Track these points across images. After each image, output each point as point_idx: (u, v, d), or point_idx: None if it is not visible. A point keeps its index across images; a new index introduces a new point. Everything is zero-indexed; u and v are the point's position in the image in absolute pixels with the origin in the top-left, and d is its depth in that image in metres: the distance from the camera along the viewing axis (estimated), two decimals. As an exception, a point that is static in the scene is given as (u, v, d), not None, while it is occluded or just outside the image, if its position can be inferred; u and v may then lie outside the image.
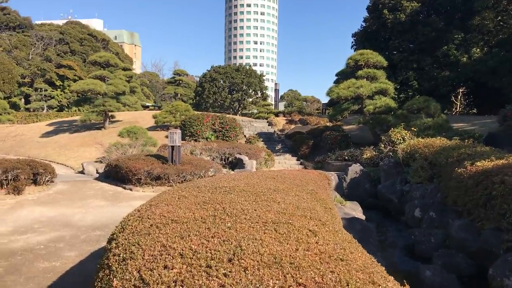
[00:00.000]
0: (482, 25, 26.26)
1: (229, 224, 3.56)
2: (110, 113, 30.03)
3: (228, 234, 3.27)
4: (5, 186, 12.22)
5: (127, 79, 33.56)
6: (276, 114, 37.06)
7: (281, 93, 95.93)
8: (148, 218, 4.08)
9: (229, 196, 4.87)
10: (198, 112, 28.89)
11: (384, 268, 3.21)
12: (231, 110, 54.83)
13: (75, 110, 60.42)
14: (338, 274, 2.65)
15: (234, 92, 55.70)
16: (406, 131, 15.52)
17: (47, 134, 30.81)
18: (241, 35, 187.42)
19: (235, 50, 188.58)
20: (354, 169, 15.55)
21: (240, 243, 3.00)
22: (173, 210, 4.15)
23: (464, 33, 28.58)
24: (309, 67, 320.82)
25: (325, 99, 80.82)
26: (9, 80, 57.62)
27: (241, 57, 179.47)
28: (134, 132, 19.51)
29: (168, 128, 27.43)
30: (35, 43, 69.99)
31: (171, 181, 12.93)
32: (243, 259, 2.73)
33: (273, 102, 64.88)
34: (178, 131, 13.39)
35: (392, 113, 21.04)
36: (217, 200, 4.56)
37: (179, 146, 13.46)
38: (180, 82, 66.78)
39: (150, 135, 20.84)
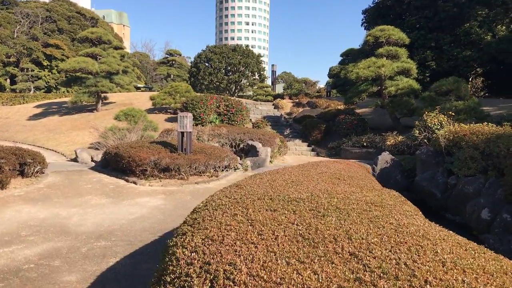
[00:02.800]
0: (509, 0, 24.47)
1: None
2: (103, 94, 27.91)
3: None
4: (-14, 179, 10.32)
5: (120, 58, 31.36)
6: (282, 97, 35.19)
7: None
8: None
9: (328, 220, 3.08)
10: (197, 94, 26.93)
11: None
12: (227, 92, 52.75)
13: (64, 92, 57.88)
14: None
15: (231, 73, 53.61)
16: (444, 116, 13.82)
17: (35, 117, 28.65)
18: (232, 15, 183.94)
19: (226, 31, 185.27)
20: (384, 158, 13.83)
21: None
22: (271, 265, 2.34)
23: (488, 9, 26.78)
24: (303, 49, 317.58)
25: (323, 81, 78.70)
26: (-7, 60, 54.78)
27: (233, 38, 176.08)
28: (132, 115, 17.57)
29: (167, 110, 25.48)
30: (20, 21, 66.75)
31: (182, 173, 11.11)
32: None
33: (270, 84, 62.83)
34: (189, 114, 11.52)
35: (415, 95, 19.34)
36: (322, 233, 2.78)
37: (190, 132, 11.61)
38: (173, 62, 64.46)
39: (150, 118, 18.92)
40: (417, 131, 14.24)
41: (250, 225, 2.98)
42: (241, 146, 16.15)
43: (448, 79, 17.28)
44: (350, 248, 2.46)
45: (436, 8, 27.60)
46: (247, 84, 54.60)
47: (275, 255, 2.37)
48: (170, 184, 10.80)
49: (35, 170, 11.32)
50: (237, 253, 2.43)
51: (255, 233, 2.80)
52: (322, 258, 2.30)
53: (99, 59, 27.31)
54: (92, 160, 15.35)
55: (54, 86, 63.23)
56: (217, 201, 4.15)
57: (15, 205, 8.99)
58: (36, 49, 62.39)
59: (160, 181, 11.07)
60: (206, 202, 4.36)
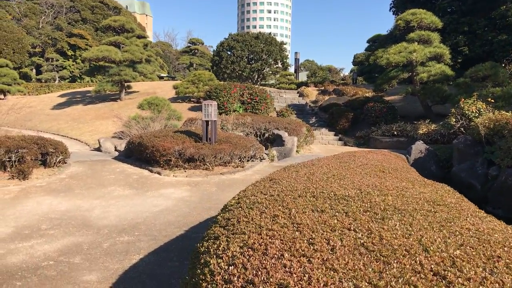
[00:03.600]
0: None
1: None
2: (126, 83, 27.70)
3: None
4: (9, 169, 10.11)
5: (143, 47, 31.10)
6: (306, 85, 34.42)
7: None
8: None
9: (391, 225, 2.55)
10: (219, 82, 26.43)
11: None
12: (249, 81, 52.09)
13: (88, 81, 58.28)
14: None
15: (253, 61, 52.88)
16: (482, 103, 13.01)
17: (59, 106, 28.68)
18: (255, 3, 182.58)
19: (248, 20, 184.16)
20: (418, 148, 13.14)
21: None
22: None
23: None
24: (326, 36, 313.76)
25: (347, 69, 77.24)
26: (19, 50, 55.41)
27: (255, 27, 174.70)
28: (156, 104, 17.20)
29: (190, 99, 25.11)
30: (45, 11, 67.39)
31: (207, 164, 10.68)
32: None
33: (293, 72, 61.90)
34: (214, 103, 11.05)
35: (449, 82, 18.45)
36: (389, 243, 2.25)
37: (215, 121, 11.15)
38: (196, 51, 64.11)
39: (173, 107, 18.54)
40: (453, 119, 13.48)
41: (297, 231, 2.48)
42: (266, 135, 15.64)
43: (485, 64, 16.36)
44: (431, 265, 1.94)
45: (471, -10, 26.32)
46: (270, 72, 53.81)
47: (337, 274, 1.86)
48: (195, 175, 10.38)
49: (58, 160, 11.06)
50: (287, 270, 1.94)
51: (305, 241, 2.30)
52: (399, 280, 1.78)
53: (122, 47, 27.05)
54: (116, 150, 15.07)
55: (78, 75, 63.76)
56: (252, 198, 3.66)
57: (36, 196, 8.71)
58: (60, 39, 62.91)
59: (185, 171, 10.67)
60: (239, 198, 3.87)
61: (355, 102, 22.69)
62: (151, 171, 10.97)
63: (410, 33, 18.65)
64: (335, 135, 20.89)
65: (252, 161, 12.03)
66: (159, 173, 10.62)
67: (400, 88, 22.52)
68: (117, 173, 10.94)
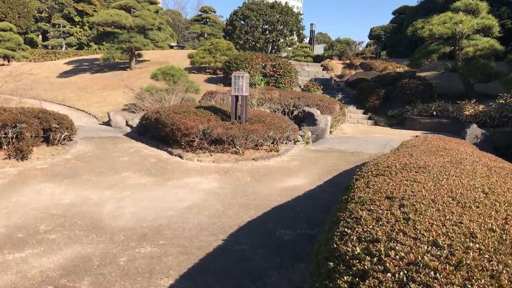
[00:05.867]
0: None
1: None
2: (137, 51, 25.92)
3: None
4: (5, 147, 8.60)
5: (155, 12, 29.13)
6: (322, 58, 32.48)
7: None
8: None
9: None
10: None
11: None
12: (263, 52, 50.00)
13: (96, 49, 56.34)
14: None
15: (268, 32, 50.70)
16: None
17: (65, 74, 27.01)
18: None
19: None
20: (474, 133, 11.50)
21: None
22: None
23: None
24: (337, 9, 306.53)
25: (364, 42, 74.99)
26: (25, 14, 53.29)
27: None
28: (171, 74, 15.51)
29: (205, 70, 23.39)
30: (52, -25, 64.79)
31: (237, 146, 9.10)
32: None
33: (309, 45, 59.65)
34: (246, 74, 9.39)
35: (497, 57, 16.58)
36: None
37: (246, 96, 9.52)
38: (207, 20, 61.75)
39: (190, 79, 16.86)
40: (515, 100, 11.73)
41: None
42: (295, 113, 14.00)
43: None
44: None
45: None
46: (285, 44, 51.68)
47: None
48: (222, 160, 8.82)
49: (62, 137, 9.53)
50: None
51: None
52: None
53: (133, 12, 25.17)
54: (127, 124, 13.53)
55: (86, 43, 61.73)
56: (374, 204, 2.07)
57: (36, 182, 7.21)
58: (67, 4, 60.64)
59: (211, 155, 9.10)
60: (362, 201, 2.30)
61: (386, 78, 20.86)
62: (170, 153, 9.41)
63: (456, 2, 16.67)
64: (364, 113, 19.17)
65: (285, 143, 10.44)
66: (180, 156, 9.05)
67: (435, 64, 20.64)
68: (131, 155, 9.39)
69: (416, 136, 9.89)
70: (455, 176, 3.27)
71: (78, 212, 5.95)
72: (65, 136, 9.61)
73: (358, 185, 3.29)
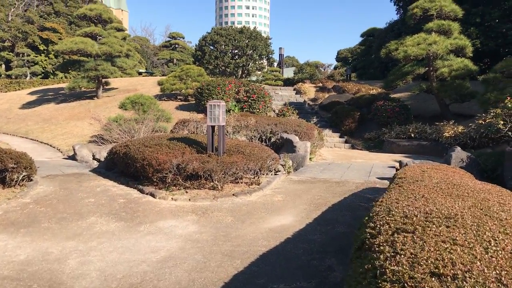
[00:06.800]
0: None
1: None
2: (104, 79, 25.02)
3: None
4: (-47, 192, 7.62)
5: (122, 39, 28.38)
6: (293, 81, 32.35)
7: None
8: None
9: None
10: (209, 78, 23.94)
11: None
12: (234, 76, 49.70)
13: (62, 78, 54.93)
14: None
15: (237, 57, 50.57)
16: (533, 103, 11.07)
17: (29, 105, 25.80)
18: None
19: (226, 15, 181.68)
20: (459, 156, 11.09)
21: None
22: None
23: None
24: (305, 33, 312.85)
25: (332, 64, 75.83)
26: (-14, 44, 51.62)
27: (233, 23, 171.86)
28: (141, 103, 14.73)
29: (176, 97, 22.68)
30: (15, 3, 63.44)
31: (215, 181, 8.36)
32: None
33: (279, 68, 59.84)
34: (222, 103, 8.73)
35: (470, 77, 16.55)
36: None
37: (223, 126, 8.84)
38: (176, 46, 61.32)
39: (161, 107, 16.09)
40: (501, 122, 11.44)
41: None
42: (273, 139, 13.41)
43: (519, 57, 14.48)
44: None
45: (484, -22, 24.42)
46: (255, 68, 51.64)
47: None
48: (199, 197, 8.05)
49: (20, 178, 8.59)
50: None
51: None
52: None
53: (99, 39, 24.35)
54: (94, 158, 12.63)
55: (52, 71, 60.16)
56: None
57: (-14, 234, 6.27)
58: (31, 33, 59.19)
59: (186, 192, 8.33)
60: (399, 280, 1.64)
61: (360, 100, 20.64)
62: (141, 191, 8.59)
63: (429, 23, 16.60)
64: (340, 136, 18.79)
65: (266, 174, 9.77)
66: (152, 195, 8.25)
67: (409, 85, 20.55)
68: (98, 195, 8.52)
69: (406, 165, 9.42)
70: (499, 232, 2.67)
71: (35, 272, 5.07)
72: (23, 176, 8.68)
73: (381, 247, 2.63)
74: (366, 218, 3.68)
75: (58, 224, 6.75)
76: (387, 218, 3.30)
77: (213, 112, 8.62)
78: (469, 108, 18.36)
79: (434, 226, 2.85)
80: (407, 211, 3.35)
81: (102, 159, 11.96)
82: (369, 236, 3.11)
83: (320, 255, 5.46)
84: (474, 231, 2.67)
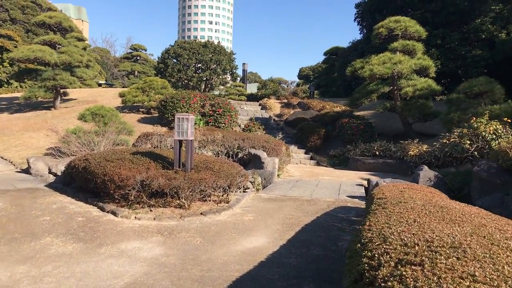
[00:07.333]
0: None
1: None
2: (62, 90, 24.01)
3: None
4: None
5: (83, 49, 27.45)
6: (257, 97, 32.24)
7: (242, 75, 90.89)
8: None
9: None
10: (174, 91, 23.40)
11: None
12: (197, 90, 49.18)
13: (17, 87, 52.72)
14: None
15: (201, 70, 50.19)
16: (498, 123, 11.24)
17: (-21, 115, 24.35)
18: (196, 14, 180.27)
19: (189, 30, 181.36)
20: (427, 175, 11.11)
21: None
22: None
23: (503, 4, 24.60)
24: (266, 50, 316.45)
25: (295, 81, 76.58)
26: None
27: (196, 37, 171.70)
28: (101, 115, 14.05)
29: (138, 109, 22.01)
30: (-32, 8, 60.69)
31: (182, 199, 7.91)
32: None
33: (243, 84, 59.82)
34: (191, 116, 8.33)
35: (434, 97, 16.87)
36: None
37: (191, 141, 8.42)
38: (138, 58, 60.24)
39: (123, 119, 15.44)
40: (468, 142, 11.54)
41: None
42: (240, 155, 13.08)
43: (479, 79, 14.84)
44: None
45: (444, 2, 25.18)
46: (219, 82, 51.41)
47: None
48: (165, 216, 7.57)
49: (-34, 194, 7.84)
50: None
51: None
52: None
53: (59, 48, 23.39)
54: (50, 172, 11.85)
55: (6, 80, 57.62)
56: None
57: None
58: (-15, 40, 56.60)
59: (151, 210, 7.83)
60: None
61: (325, 118, 20.66)
62: (102, 209, 8.01)
63: (394, 43, 16.85)
64: (305, 153, 18.67)
65: (235, 192, 9.39)
66: (114, 214, 7.69)
67: (373, 103, 20.78)
68: (54, 213, 7.88)
69: (377, 184, 9.26)
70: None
71: (-21, 303, 4.48)
72: (-30, 191, 7.93)
73: (388, 283, 2.33)
74: (359, 245, 3.38)
75: (8, 246, 6.11)
76: (384, 246, 3.02)
77: (181, 126, 8.20)
78: (431, 127, 18.69)
79: (442, 257, 2.57)
80: (405, 239, 3.07)
81: (59, 173, 11.24)
82: (367, 268, 2.80)
83: (298, 281, 5.12)
84: (491, 265, 2.41)
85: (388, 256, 2.79)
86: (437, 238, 3.00)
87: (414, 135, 17.49)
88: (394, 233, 3.27)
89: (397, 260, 2.71)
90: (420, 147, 14.70)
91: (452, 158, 13.55)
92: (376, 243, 3.15)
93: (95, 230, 6.91)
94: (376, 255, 2.90)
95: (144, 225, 7.23)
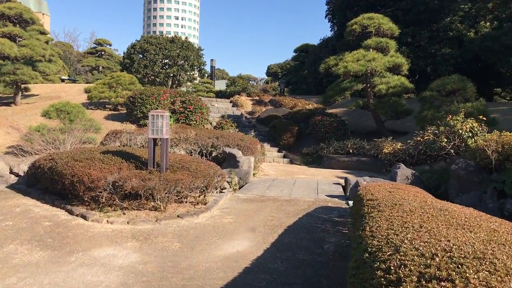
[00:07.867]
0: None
1: None
2: (23, 85, 22.90)
3: None
4: None
5: (45, 42, 26.29)
6: (226, 94, 31.89)
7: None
8: None
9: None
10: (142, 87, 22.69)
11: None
12: (164, 87, 48.27)
13: (-27, 81, 50.35)
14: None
15: (168, 66, 49.29)
16: (474, 121, 11.29)
17: None
18: (161, 9, 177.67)
19: (154, 25, 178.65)
20: (404, 173, 11.05)
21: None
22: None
23: (471, 3, 25.06)
24: (233, 47, 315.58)
25: (264, 78, 76.44)
26: None
27: (161, 32, 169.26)
28: (67, 111, 13.34)
29: (105, 105, 21.23)
30: None
31: (158, 201, 7.48)
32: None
33: (211, 80, 59.22)
34: (166, 114, 7.90)
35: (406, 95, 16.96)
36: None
37: (167, 139, 8.00)
38: (103, 53, 58.63)
39: (90, 116, 14.73)
40: (445, 139, 11.54)
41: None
42: (214, 154, 12.70)
43: (452, 77, 14.96)
44: None
45: (415, 0, 25.46)
46: (186, 78, 50.64)
47: None
48: (140, 220, 7.12)
49: None
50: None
51: None
52: None
53: (19, 41, 22.27)
54: (12, 172, 11.13)
55: (-39, 74, 54.98)
56: None
57: None
58: None
59: (124, 213, 7.36)
60: None
61: (298, 115, 20.49)
62: (70, 212, 7.49)
63: (367, 40, 16.81)
64: (278, 151, 18.44)
65: (212, 192, 9.02)
66: (84, 217, 7.19)
67: (346, 101, 20.76)
68: (18, 217, 7.30)
69: (357, 183, 9.08)
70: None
71: None
72: None
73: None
74: (366, 254, 3.09)
75: (-33, 255, 5.55)
76: (398, 256, 2.74)
77: (155, 123, 7.76)
78: (403, 125, 18.81)
79: (471, 271, 2.31)
80: (420, 248, 2.81)
81: (22, 174, 10.55)
82: (385, 282, 2.52)
83: (287, 288, 4.83)
84: None
85: (407, 270, 2.52)
86: (455, 247, 2.75)
87: (387, 132, 17.54)
88: (405, 241, 3.01)
89: (418, 273, 2.44)
90: (394, 145, 14.70)
91: (426, 156, 13.60)
92: (388, 253, 2.88)
93: (64, 236, 6.40)
94: (391, 267, 2.63)
95: (118, 229, 6.77)
